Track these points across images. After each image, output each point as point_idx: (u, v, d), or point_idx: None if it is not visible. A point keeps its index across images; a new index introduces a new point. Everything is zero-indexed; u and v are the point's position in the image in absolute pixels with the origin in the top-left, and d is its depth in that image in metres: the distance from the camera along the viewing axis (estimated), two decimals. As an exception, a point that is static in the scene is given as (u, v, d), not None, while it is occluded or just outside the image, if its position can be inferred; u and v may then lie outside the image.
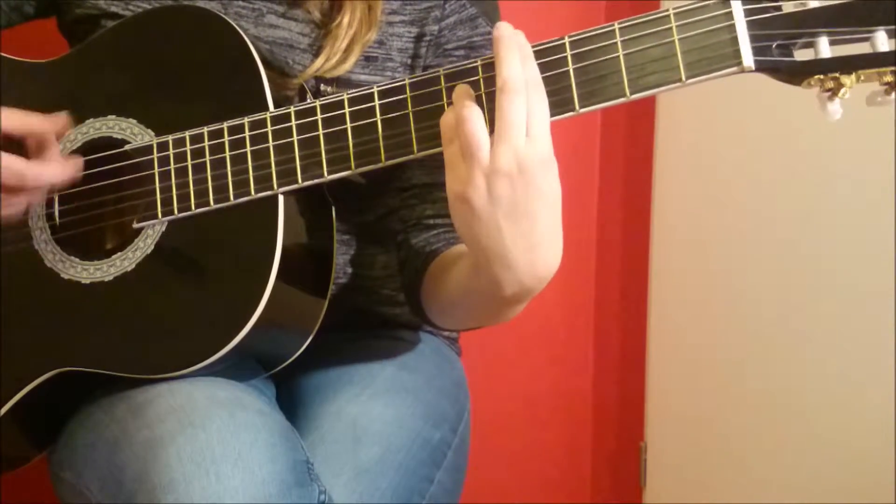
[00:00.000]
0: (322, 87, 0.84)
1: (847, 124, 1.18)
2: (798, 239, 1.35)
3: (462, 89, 0.70)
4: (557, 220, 0.69)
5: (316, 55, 0.86)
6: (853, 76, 0.62)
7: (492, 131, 0.67)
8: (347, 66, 0.85)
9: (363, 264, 0.95)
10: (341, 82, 0.85)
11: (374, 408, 0.85)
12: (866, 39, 0.63)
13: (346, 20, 0.86)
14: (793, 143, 1.34)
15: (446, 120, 0.70)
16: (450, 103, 0.72)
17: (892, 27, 0.62)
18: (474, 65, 0.72)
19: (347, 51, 0.85)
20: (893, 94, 0.62)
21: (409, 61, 0.90)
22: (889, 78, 0.62)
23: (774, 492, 1.39)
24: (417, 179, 0.91)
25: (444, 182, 0.70)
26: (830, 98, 0.63)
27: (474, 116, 0.67)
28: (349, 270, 0.94)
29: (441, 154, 0.71)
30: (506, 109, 0.66)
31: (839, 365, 1.29)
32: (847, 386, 1.28)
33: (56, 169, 0.78)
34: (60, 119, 0.79)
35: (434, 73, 0.73)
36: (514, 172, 0.66)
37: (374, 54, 0.88)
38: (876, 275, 1.22)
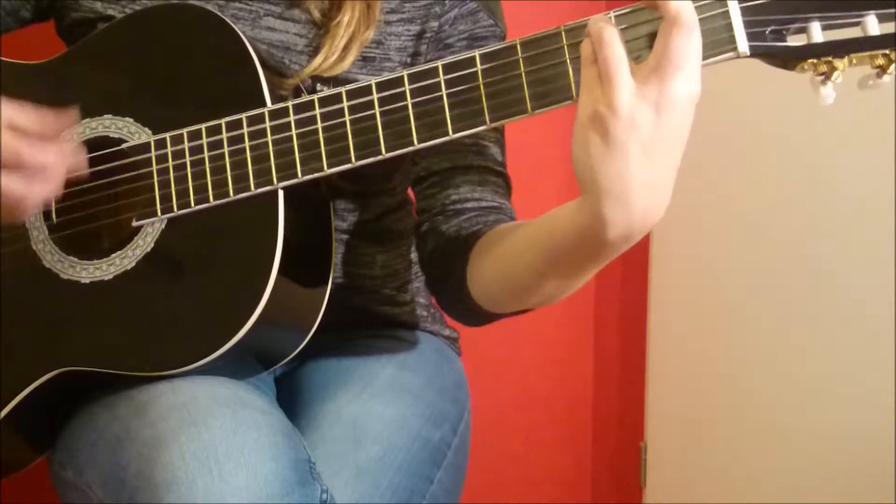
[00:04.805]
0: (319, 86, 0.84)
1: (847, 125, 1.18)
2: (798, 239, 1.35)
3: (598, 16, 0.67)
4: (677, 166, 0.65)
5: (313, 56, 0.87)
6: (845, 60, 0.63)
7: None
8: (345, 65, 0.86)
9: (363, 264, 0.95)
10: (339, 82, 0.85)
11: (374, 407, 0.85)
12: (857, 24, 0.64)
13: (345, 18, 0.86)
14: (793, 145, 1.35)
15: (585, 45, 0.67)
16: (448, 94, 0.72)
17: (882, 11, 0.63)
18: (471, 55, 0.72)
19: (346, 49, 0.86)
20: (885, 76, 0.63)
21: (408, 60, 0.90)
22: (880, 61, 0.63)
23: (774, 492, 1.39)
24: (436, 166, 0.89)
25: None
26: (823, 82, 0.64)
27: (616, 38, 0.64)
28: (349, 270, 0.94)
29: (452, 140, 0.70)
30: (674, 44, 0.62)
31: (839, 365, 1.29)
32: (847, 386, 1.28)
33: (56, 155, 0.73)
34: (66, 115, 0.75)
35: (432, 65, 0.73)
36: (663, 103, 0.63)
37: (372, 54, 0.88)
38: (876, 276, 1.22)
